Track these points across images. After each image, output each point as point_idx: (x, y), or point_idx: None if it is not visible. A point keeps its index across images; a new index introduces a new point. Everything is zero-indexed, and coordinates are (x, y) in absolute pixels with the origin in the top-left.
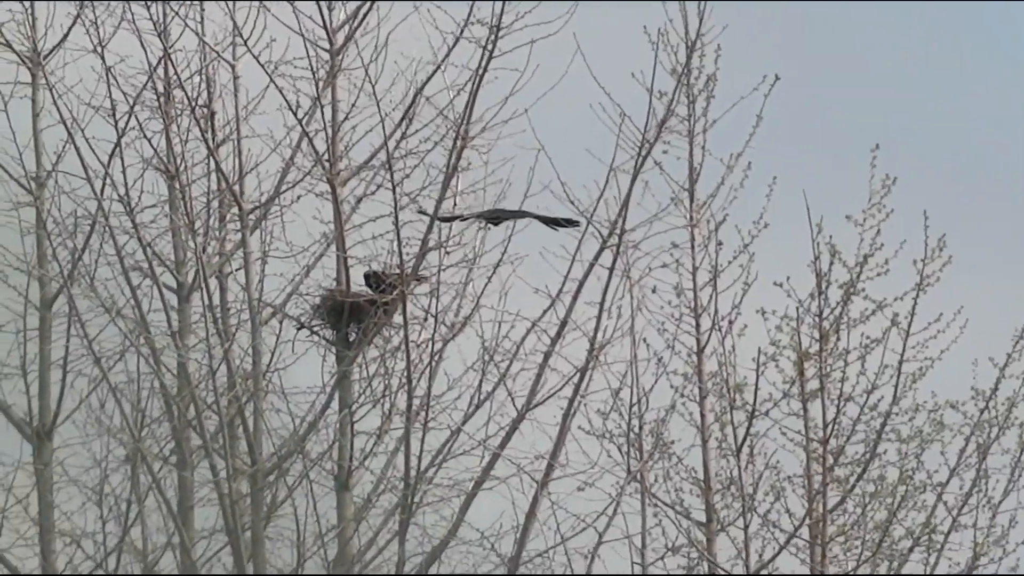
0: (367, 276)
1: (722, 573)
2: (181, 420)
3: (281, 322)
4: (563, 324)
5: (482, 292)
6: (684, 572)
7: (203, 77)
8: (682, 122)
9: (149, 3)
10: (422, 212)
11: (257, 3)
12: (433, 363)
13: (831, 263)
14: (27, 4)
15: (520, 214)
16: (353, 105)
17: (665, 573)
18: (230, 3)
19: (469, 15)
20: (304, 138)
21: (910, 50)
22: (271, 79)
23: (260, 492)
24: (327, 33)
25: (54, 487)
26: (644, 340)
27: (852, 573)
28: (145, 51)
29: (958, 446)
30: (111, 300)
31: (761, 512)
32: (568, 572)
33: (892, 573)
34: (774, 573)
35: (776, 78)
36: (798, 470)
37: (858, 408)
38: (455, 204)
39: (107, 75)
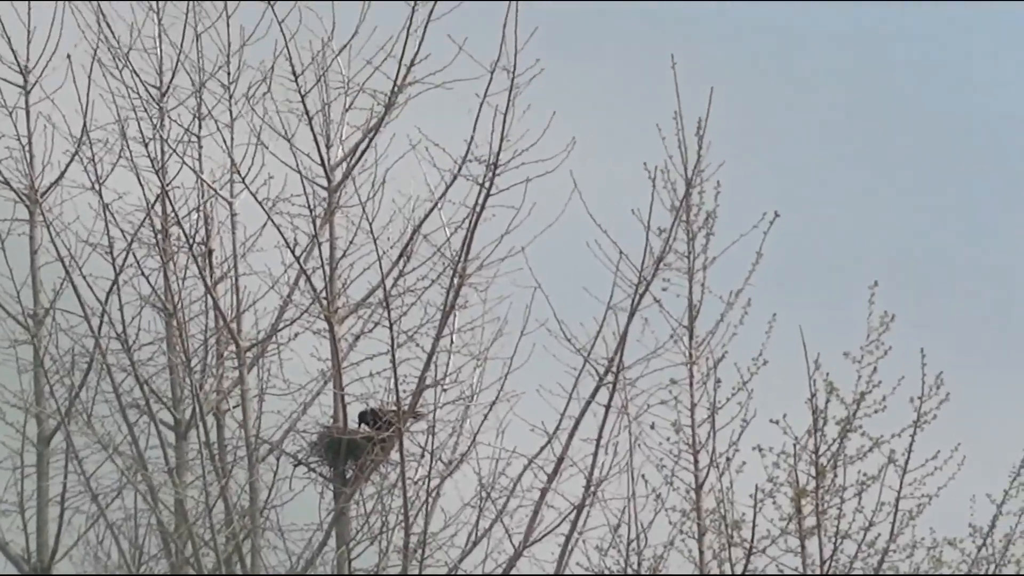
0: (362, 415)
1: None
2: (179, 557)
3: (278, 459)
4: (560, 461)
5: (479, 429)
6: None
7: (201, 214)
8: (681, 259)
9: (147, 141)
10: None
11: (255, 141)
12: (430, 500)
13: (828, 400)
14: (24, 141)
15: None
16: (351, 242)
17: None
18: (228, 140)
19: (467, 153)
20: (302, 276)
21: (905, 188)
22: (269, 216)
23: None
24: (325, 170)
25: None
26: (642, 476)
27: None
28: (143, 188)
29: None
30: (108, 437)
31: None
32: None
33: None
34: None
35: (776, 215)
36: None
37: (855, 545)
38: (452, 342)
39: (104, 212)
